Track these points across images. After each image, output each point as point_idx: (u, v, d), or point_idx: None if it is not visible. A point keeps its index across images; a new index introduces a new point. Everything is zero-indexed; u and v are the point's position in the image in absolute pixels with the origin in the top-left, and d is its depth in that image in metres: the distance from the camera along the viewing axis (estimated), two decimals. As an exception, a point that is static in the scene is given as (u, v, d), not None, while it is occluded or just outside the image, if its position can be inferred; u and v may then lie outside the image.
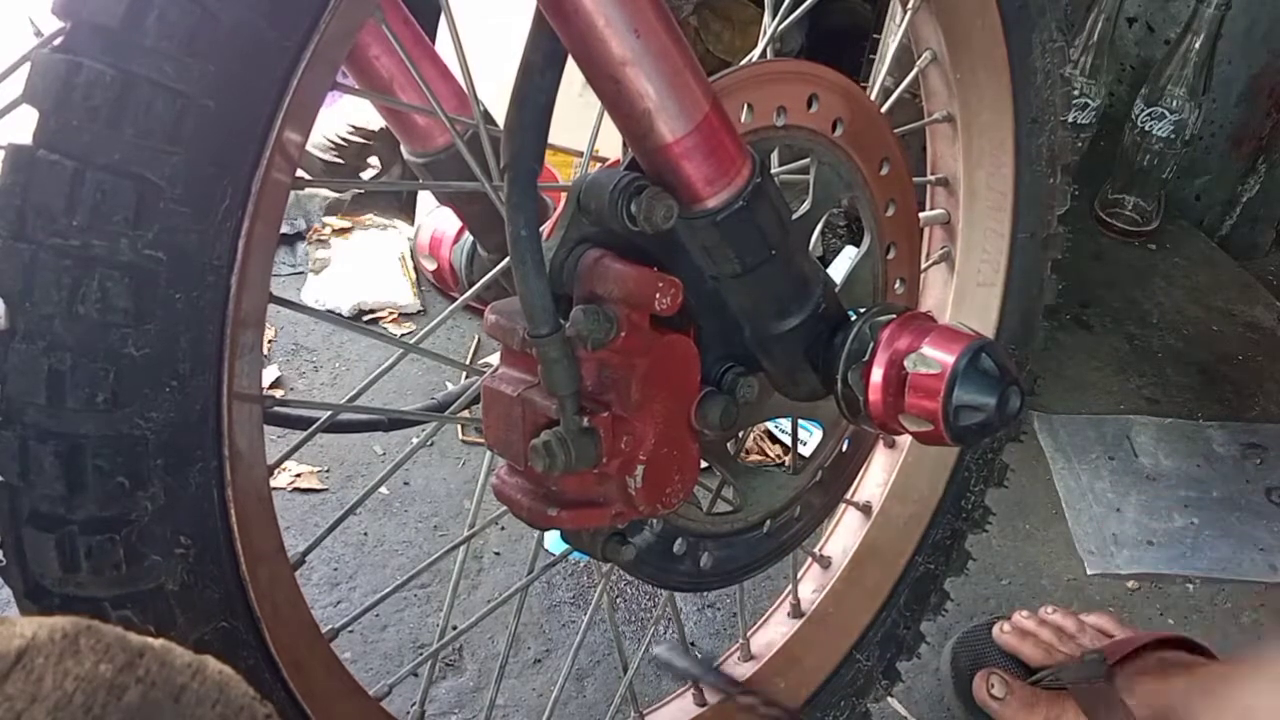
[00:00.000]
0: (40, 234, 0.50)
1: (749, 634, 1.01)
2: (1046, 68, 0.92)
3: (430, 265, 1.16)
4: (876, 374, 0.67)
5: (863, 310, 0.70)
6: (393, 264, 1.65)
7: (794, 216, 0.68)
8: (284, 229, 1.61)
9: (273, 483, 0.98)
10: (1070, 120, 1.01)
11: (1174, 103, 1.92)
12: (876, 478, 1.05)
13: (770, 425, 1.45)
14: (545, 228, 0.62)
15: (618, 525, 0.67)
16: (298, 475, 1.33)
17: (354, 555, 1.26)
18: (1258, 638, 1.34)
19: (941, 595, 1.08)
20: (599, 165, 0.70)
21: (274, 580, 0.63)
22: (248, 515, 0.59)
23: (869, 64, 1.76)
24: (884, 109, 0.78)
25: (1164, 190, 2.04)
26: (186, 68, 0.49)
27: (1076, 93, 1.94)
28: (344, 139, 1.66)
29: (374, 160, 1.70)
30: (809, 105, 0.70)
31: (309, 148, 1.56)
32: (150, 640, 0.40)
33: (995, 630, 1.18)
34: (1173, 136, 1.94)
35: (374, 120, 1.63)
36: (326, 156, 1.68)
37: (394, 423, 0.88)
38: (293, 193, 0.60)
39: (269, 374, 1.46)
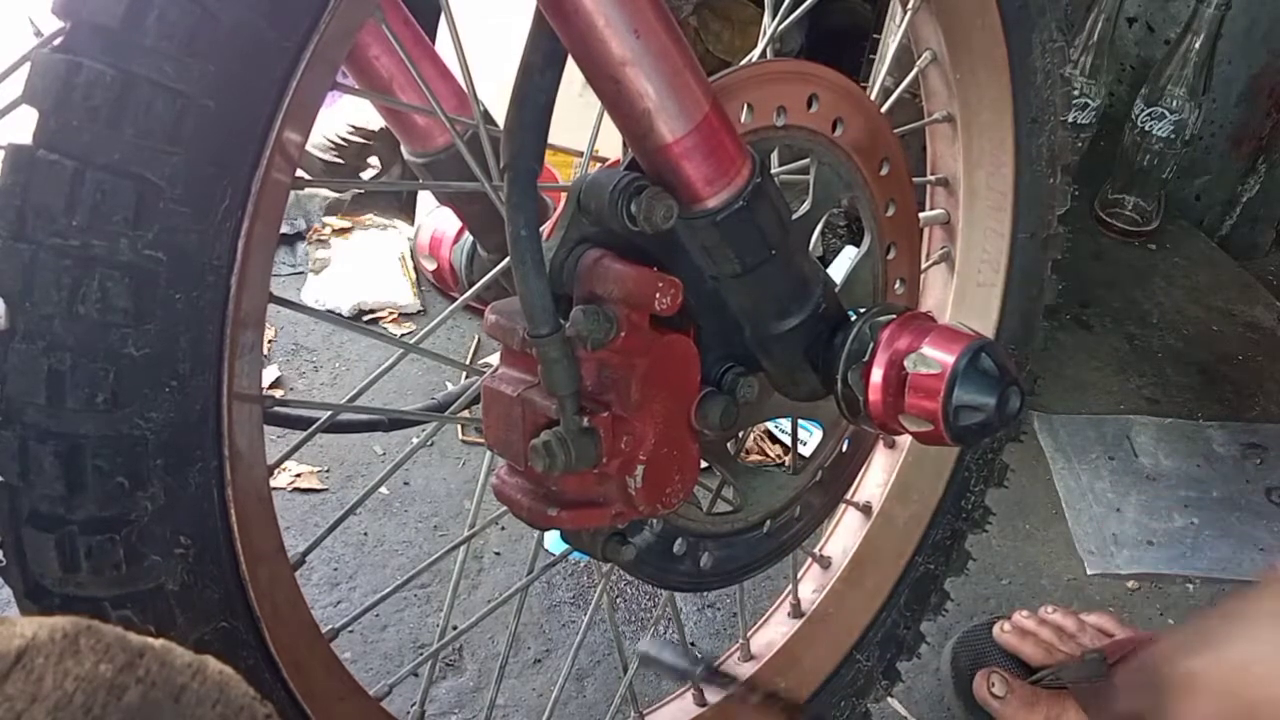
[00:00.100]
0: (40, 234, 0.50)
1: (749, 634, 1.01)
2: (1046, 68, 0.92)
3: (430, 265, 1.16)
4: (876, 374, 0.67)
5: (863, 310, 0.70)
6: (393, 264, 1.65)
7: (794, 216, 0.68)
8: (284, 229, 1.61)
9: (273, 483, 0.98)
10: (1070, 120, 1.01)
11: (1174, 103, 1.92)
12: (876, 478, 1.04)
13: (770, 425, 1.45)
14: (545, 228, 0.62)
15: (618, 525, 0.67)
16: (298, 475, 1.33)
17: (354, 555, 1.26)
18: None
19: (941, 595, 1.08)
20: (599, 165, 0.70)
21: (274, 580, 0.63)
22: (248, 515, 0.59)
23: (869, 64, 1.76)
24: (884, 109, 0.78)
25: (1164, 190, 2.05)
26: (186, 68, 0.49)
27: (1076, 93, 1.94)
28: (344, 139, 1.66)
29: (374, 160, 1.70)
30: (809, 105, 0.70)
31: (309, 148, 1.56)
32: (150, 640, 0.40)
33: (995, 630, 1.18)
34: (1173, 136, 1.94)
35: (374, 120, 1.63)
36: (326, 156, 1.68)
37: (394, 423, 0.88)
38: (293, 193, 0.60)
39: (269, 374, 1.46)
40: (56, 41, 0.49)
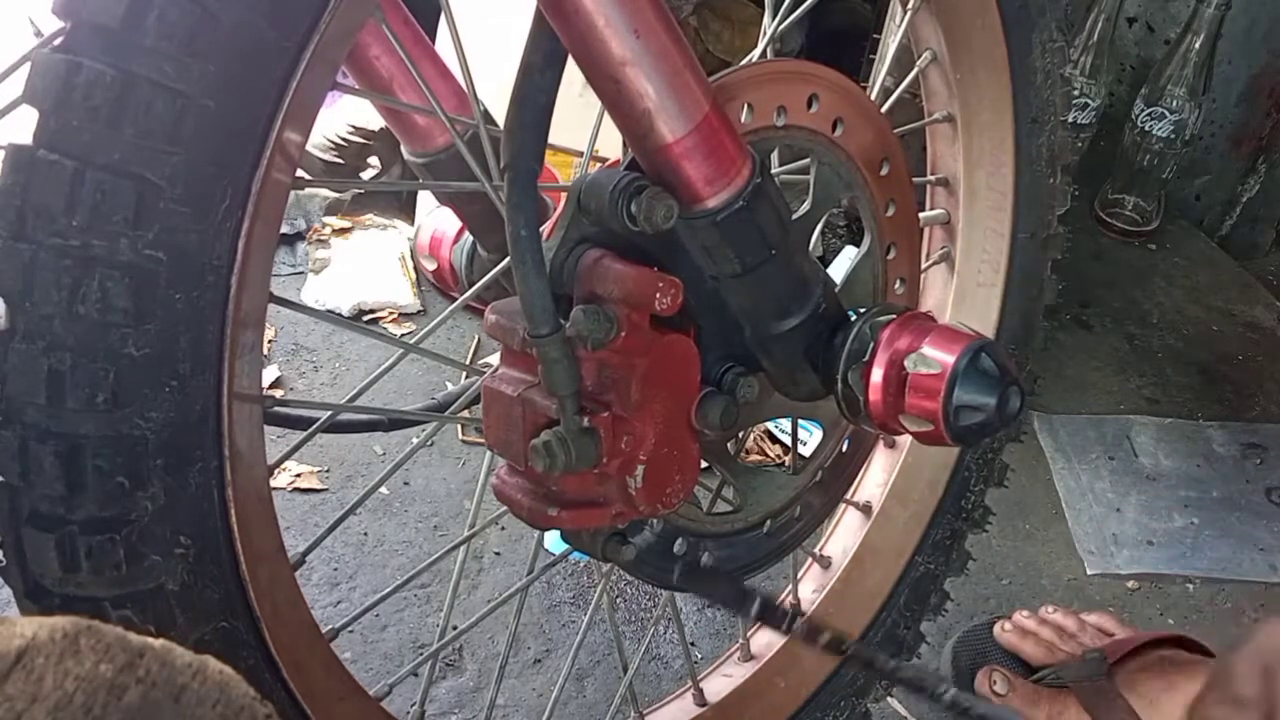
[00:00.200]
0: (40, 234, 0.50)
1: (749, 634, 1.01)
2: (1046, 68, 0.92)
3: (430, 265, 1.16)
4: (876, 374, 0.67)
5: (863, 310, 0.70)
6: (393, 264, 1.65)
7: (794, 216, 0.68)
8: (284, 229, 1.61)
9: (273, 483, 0.98)
10: (1070, 120, 1.01)
11: (1174, 103, 1.92)
12: (876, 478, 1.04)
13: (770, 425, 1.45)
14: (545, 228, 0.62)
15: (618, 525, 0.67)
16: (298, 475, 1.33)
17: (354, 555, 1.26)
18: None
19: (941, 595, 1.08)
20: (599, 165, 0.70)
21: (274, 580, 0.63)
22: (248, 515, 0.59)
23: (869, 64, 1.76)
24: (884, 109, 0.78)
25: (1164, 190, 2.04)
26: (186, 68, 0.49)
27: (1076, 93, 1.94)
28: (344, 139, 1.66)
29: (374, 160, 1.70)
30: (809, 105, 0.70)
31: (309, 148, 1.56)
32: (151, 640, 0.40)
33: (996, 629, 1.18)
34: (1173, 136, 1.94)
35: (374, 120, 1.63)
36: (326, 156, 1.68)
37: (394, 423, 0.88)
38: (293, 193, 0.60)
39: (269, 374, 1.46)
40: (56, 41, 0.49)
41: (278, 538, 0.63)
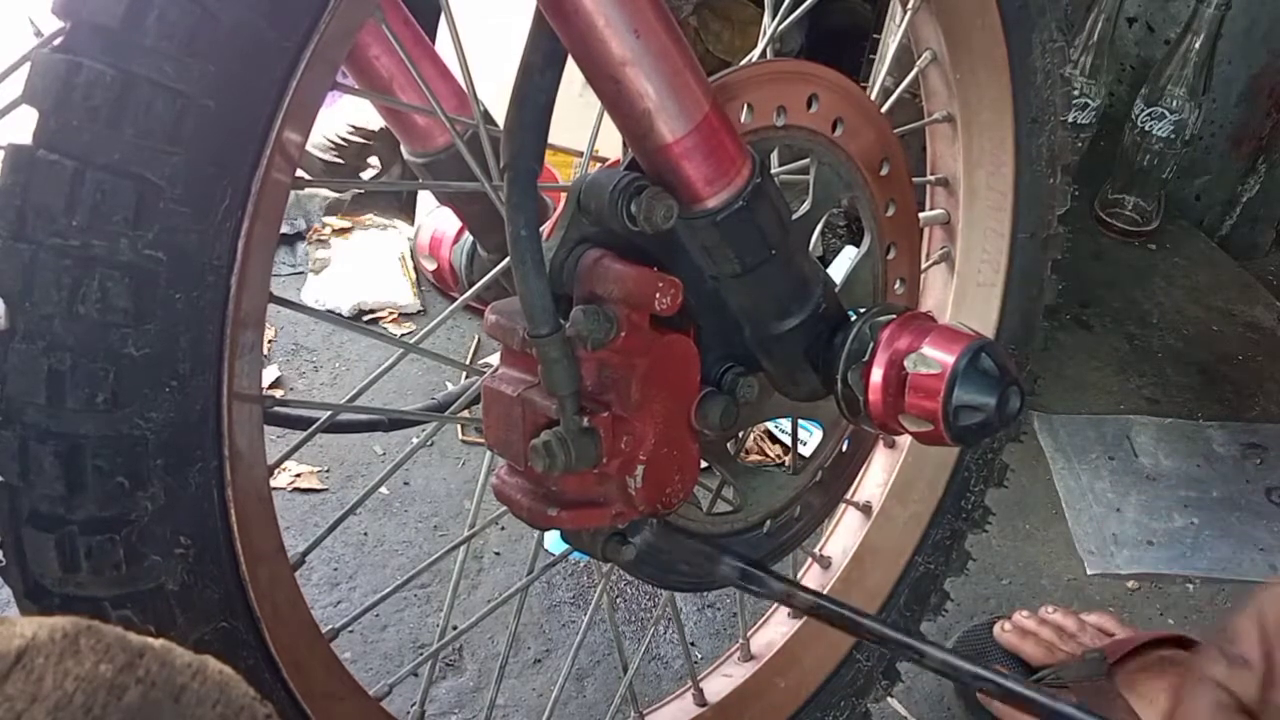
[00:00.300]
0: (40, 234, 0.50)
1: (749, 634, 1.01)
2: (1046, 68, 0.92)
3: (430, 265, 1.16)
4: (876, 374, 0.67)
5: (863, 310, 0.70)
6: (393, 264, 1.65)
7: (794, 216, 0.68)
8: (284, 229, 1.61)
9: (273, 483, 0.98)
10: (1070, 120, 1.01)
11: (1174, 103, 1.92)
12: (876, 478, 1.04)
13: (770, 425, 1.45)
14: (545, 228, 0.62)
15: (618, 525, 0.67)
16: (298, 475, 1.33)
17: (354, 555, 1.26)
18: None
19: (941, 595, 1.08)
20: (599, 165, 0.70)
21: (274, 580, 0.63)
22: (248, 515, 0.59)
23: (869, 64, 1.76)
24: (884, 109, 0.78)
25: (1164, 190, 2.05)
26: (186, 68, 0.49)
27: (1076, 93, 1.94)
28: (344, 139, 1.66)
29: (374, 160, 1.70)
30: (809, 105, 0.70)
31: (309, 148, 1.56)
32: (151, 640, 0.40)
33: (996, 629, 1.18)
34: (1173, 136, 1.94)
35: (374, 120, 1.63)
36: (326, 156, 1.68)
37: (394, 423, 0.88)
38: (293, 193, 0.60)
39: (269, 374, 1.46)
40: (56, 41, 0.49)
41: (278, 538, 0.63)
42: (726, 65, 0.75)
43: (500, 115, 0.60)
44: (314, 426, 0.74)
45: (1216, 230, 2.17)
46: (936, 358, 0.65)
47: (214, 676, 0.41)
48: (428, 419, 1.03)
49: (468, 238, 1.08)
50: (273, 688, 0.63)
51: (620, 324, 0.60)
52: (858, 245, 0.78)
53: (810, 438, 0.89)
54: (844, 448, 0.83)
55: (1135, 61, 2.19)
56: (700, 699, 0.97)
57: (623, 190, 0.59)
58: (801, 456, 0.80)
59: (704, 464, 0.69)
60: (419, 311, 1.60)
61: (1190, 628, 1.32)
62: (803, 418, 0.78)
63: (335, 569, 1.24)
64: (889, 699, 1.15)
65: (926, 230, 1.00)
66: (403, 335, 1.54)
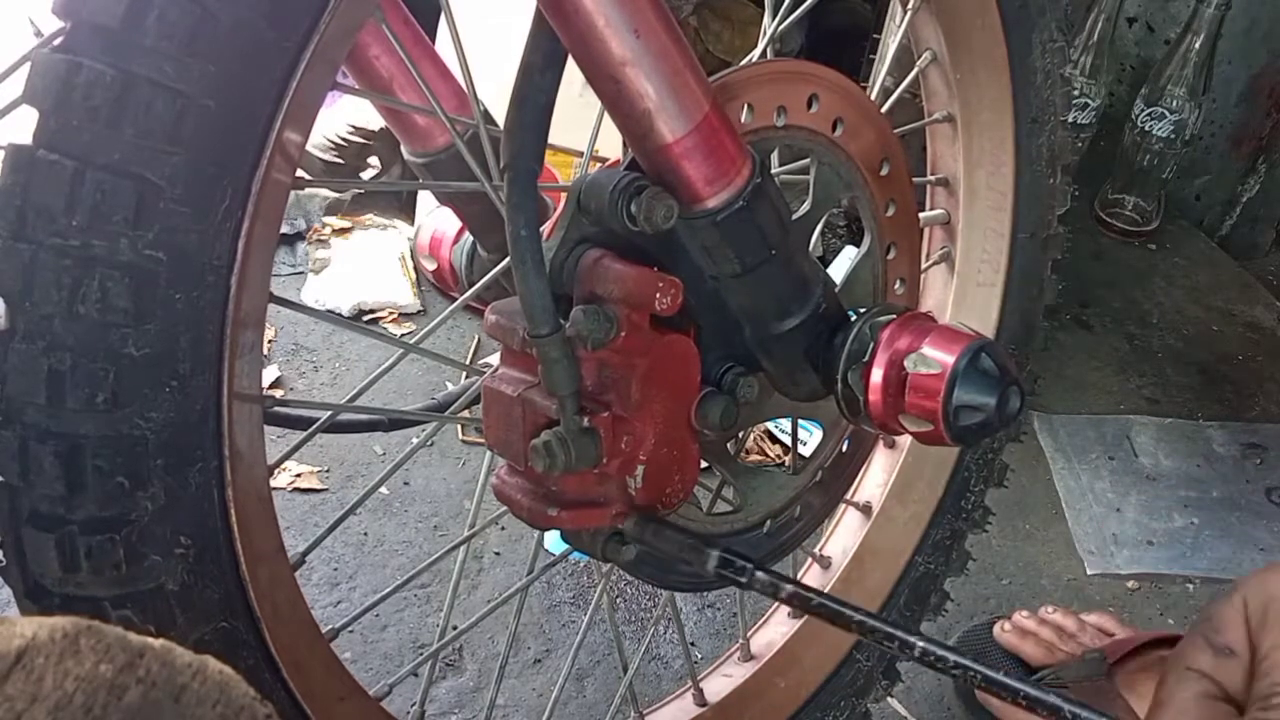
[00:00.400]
0: (40, 234, 0.50)
1: (749, 634, 1.01)
2: (1046, 68, 0.92)
3: (430, 265, 1.16)
4: (876, 374, 0.67)
5: (863, 310, 0.70)
6: (393, 264, 1.65)
7: (794, 216, 0.68)
8: (284, 229, 1.61)
9: (273, 483, 0.98)
10: (1070, 120, 1.01)
11: (1174, 103, 1.92)
12: (876, 478, 1.04)
13: (770, 425, 1.45)
14: (545, 228, 0.62)
15: (618, 525, 0.67)
16: (298, 475, 1.33)
17: (354, 555, 1.26)
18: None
19: (941, 595, 1.08)
20: (599, 165, 0.70)
21: (274, 580, 0.63)
22: (248, 515, 0.59)
23: (869, 64, 1.76)
24: (884, 109, 0.78)
25: (1164, 190, 2.05)
26: (186, 68, 0.49)
27: (1076, 93, 1.94)
28: (344, 139, 1.66)
29: (374, 160, 1.70)
30: (809, 105, 0.70)
31: (309, 148, 1.56)
32: (151, 640, 0.40)
33: (996, 629, 1.18)
34: (1173, 136, 1.94)
35: (374, 120, 1.63)
36: (326, 156, 1.68)
37: (394, 423, 0.88)
38: (293, 193, 0.60)
39: (269, 374, 1.46)
40: (56, 41, 0.49)
41: (278, 538, 0.63)
42: (726, 65, 0.75)
43: (500, 115, 0.60)
44: (314, 426, 0.74)
45: (1216, 230, 2.17)
46: (936, 358, 0.65)
47: (214, 676, 0.41)
48: (428, 419, 1.03)
49: (468, 238, 1.08)
50: (273, 688, 0.63)
51: (620, 324, 0.60)
52: (858, 245, 0.78)
53: (810, 438, 0.89)
54: (844, 448, 0.83)
55: (1135, 61, 2.19)
56: (700, 699, 0.97)
57: (623, 190, 0.59)
58: (801, 456, 0.80)
59: (704, 464, 0.69)
60: (419, 311, 1.60)
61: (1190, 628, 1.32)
62: (803, 418, 0.78)
63: (335, 569, 1.24)
64: (889, 699, 1.15)
65: (926, 230, 1.00)
66: (403, 335, 1.54)
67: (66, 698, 0.37)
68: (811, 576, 1.04)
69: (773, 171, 0.68)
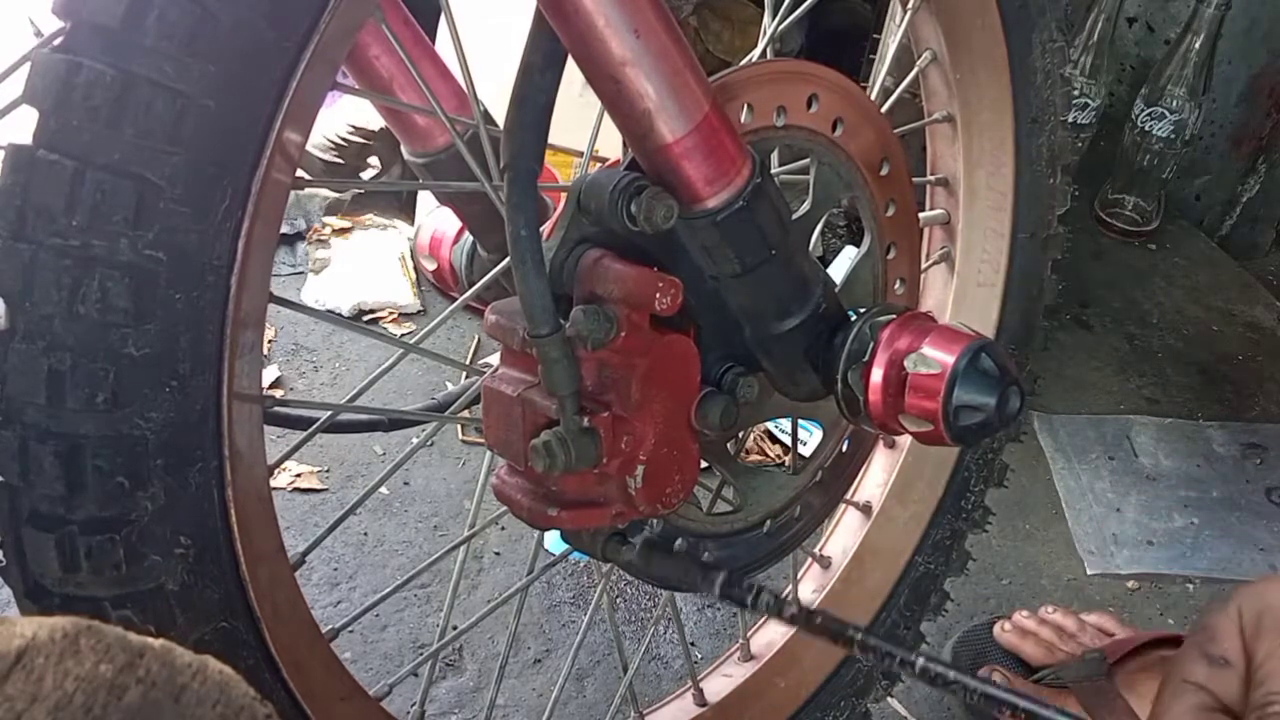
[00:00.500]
0: (40, 234, 0.50)
1: (749, 634, 1.01)
2: (1046, 68, 0.92)
3: (430, 265, 1.16)
4: (876, 374, 0.67)
5: (863, 310, 0.70)
6: (393, 264, 1.65)
7: (794, 216, 0.68)
8: (284, 229, 1.61)
9: (273, 483, 0.98)
10: (1070, 120, 1.01)
11: (1174, 103, 1.92)
12: (876, 478, 1.04)
13: (770, 425, 1.45)
14: (545, 228, 0.62)
15: (618, 525, 0.67)
16: (298, 475, 1.33)
17: (354, 555, 1.26)
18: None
19: (941, 595, 1.08)
20: (599, 165, 0.70)
21: (274, 580, 0.63)
22: (248, 515, 0.59)
23: (869, 64, 1.76)
24: (884, 109, 0.78)
25: (1164, 190, 2.05)
26: (186, 68, 0.49)
27: (1076, 93, 1.94)
28: (344, 139, 1.66)
29: (374, 160, 1.70)
30: (809, 105, 0.70)
31: (309, 148, 1.56)
32: (151, 640, 0.40)
33: (996, 629, 1.18)
34: (1173, 136, 1.94)
35: (374, 120, 1.63)
36: (326, 156, 1.68)
37: (394, 423, 0.88)
38: (293, 193, 0.60)
39: (269, 374, 1.46)
40: (56, 41, 0.49)
41: (278, 538, 0.63)
42: (726, 65, 0.75)
43: (500, 115, 0.60)
44: (314, 426, 0.74)
45: (1216, 230, 2.17)
46: (936, 358, 0.65)
47: (214, 676, 0.41)
48: (428, 419, 1.03)
49: (468, 238, 1.08)
50: (273, 688, 0.63)
51: (620, 324, 0.60)
52: (858, 245, 0.78)
53: (810, 438, 0.89)
54: (844, 448, 0.83)
55: (1135, 61, 2.19)
56: (700, 699, 0.97)
57: (623, 190, 0.59)
58: (801, 456, 0.80)
59: (704, 464, 0.69)
60: (419, 311, 1.60)
61: (1190, 628, 1.32)
62: (803, 418, 0.78)
63: (335, 569, 1.24)
64: (889, 699, 1.15)
65: (926, 230, 1.00)
66: (403, 335, 1.54)
67: (66, 698, 0.37)
68: (812, 576, 1.04)
69: (773, 171, 0.68)
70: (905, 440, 1.03)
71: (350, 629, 0.90)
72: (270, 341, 1.51)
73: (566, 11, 0.55)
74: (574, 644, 1.09)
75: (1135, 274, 1.97)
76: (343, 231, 1.70)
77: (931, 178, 0.98)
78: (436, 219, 1.14)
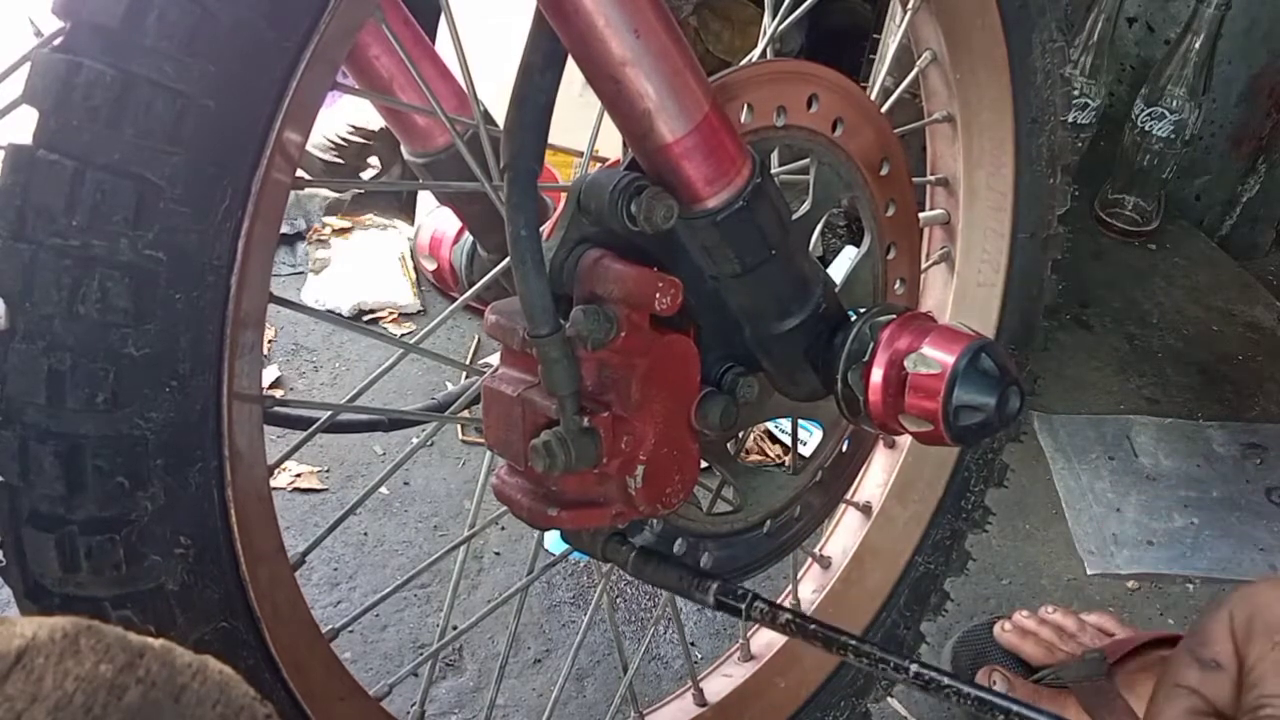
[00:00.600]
0: (40, 234, 0.50)
1: (749, 634, 1.01)
2: (1046, 68, 0.92)
3: (430, 265, 1.16)
4: (876, 374, 0.67)
5: (863, 310, 0.70)
6: (393, 264, 1.65)
7: (794, 216, 0.68)
8: (284, 229, 1.61)
9: (273, 483, 0.98)
10: (1070, 120, 1.01)
11: (1174, 103, 1.92)
12: (876, 478, 1.04)
13: (770, 425, 1.45)
14: (545, 228, 0.62)
15: (618, 525, 0.67)
16: (298, 475, 1.33)
17: (354, 555, 1.26)
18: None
19: (941, 595, 1.08)
20: (599, 165, 0.70)
21: (274, 580, 0.63)
22: (248, 515, 0.59)
23: (869, 64, 1.76)
24: (884, 109, 0.78)
25: (1164, 190, 2.05)
26: (186, 68, 0.49)
27: (1076, 93, 1.94)
28: (344, 139, 1.66)
29: (374, 160, 1.70)
30: (809, 105, 0.70)
31: (309, 148, 1.56)
32: (151, 640, 0.40)
33: (996, 629, 1.18)
34: (1173, 136, 1.94)
35: (374, 120, 1.63)
36: (326, 156, 1.68)
37: (394, 423, 0.88)
38: (293, 193, 0.60)
39: (269, 374, 1.46)
40: (56, 41, 0.49)
41: (278, 538, 0.63)
42: (726, 65, 0.75)
43: (500, 115, 0.60)
44: (314, 426, 0.74)
45: (1216, 230, 2.17)
46: (936, 358, 0.65)
47: (214, 676, 0.41)
48: (428, 419, 1.03)
49: (468, 238, 1.08)
50: (273, 688, 0.63)
51: (620, 324, 0.60)
52: (858, 245, 0.78)
53: (810, 438, 0.89)
54: (844, 448, 0.83)
55: (1135, 61, 2.19)
56: (700, 699, 0.97)
57: (623, 190, 0.59)
58: (801, 456, 0.80)
59: (704, 464, 0.69)
60: (419, 311, 1.60)
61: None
62: (803, 418, 0.78)
63: (335, 569, 1.24)
64: (889, 699, 1.15)
65: (926, 230, 1.00)
66: (403, 335, 1.54)
67: (66, 698, 0.37)
68: (812, 576, 1.04)
69: (773, 171, 0.68)
70: (905, 440, 1.03)
71: (350, 629, 0.90)
72: (270, 341, 1.51)
73: (566, 11, 0.55)
74: (574, 644, 1.09)
75: (1135, 274, 1.97)
76: (343, 231, 1.70)
77: (931, 178, 0.98)
78: (436, 219, 1.14)
